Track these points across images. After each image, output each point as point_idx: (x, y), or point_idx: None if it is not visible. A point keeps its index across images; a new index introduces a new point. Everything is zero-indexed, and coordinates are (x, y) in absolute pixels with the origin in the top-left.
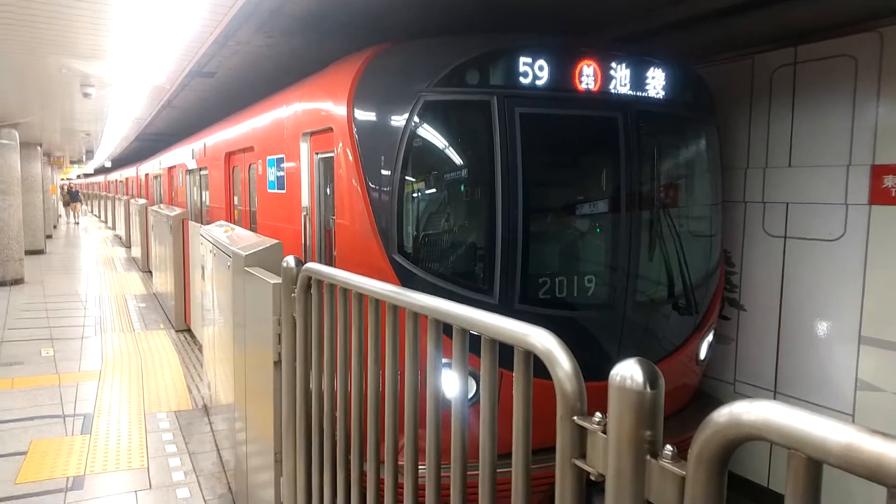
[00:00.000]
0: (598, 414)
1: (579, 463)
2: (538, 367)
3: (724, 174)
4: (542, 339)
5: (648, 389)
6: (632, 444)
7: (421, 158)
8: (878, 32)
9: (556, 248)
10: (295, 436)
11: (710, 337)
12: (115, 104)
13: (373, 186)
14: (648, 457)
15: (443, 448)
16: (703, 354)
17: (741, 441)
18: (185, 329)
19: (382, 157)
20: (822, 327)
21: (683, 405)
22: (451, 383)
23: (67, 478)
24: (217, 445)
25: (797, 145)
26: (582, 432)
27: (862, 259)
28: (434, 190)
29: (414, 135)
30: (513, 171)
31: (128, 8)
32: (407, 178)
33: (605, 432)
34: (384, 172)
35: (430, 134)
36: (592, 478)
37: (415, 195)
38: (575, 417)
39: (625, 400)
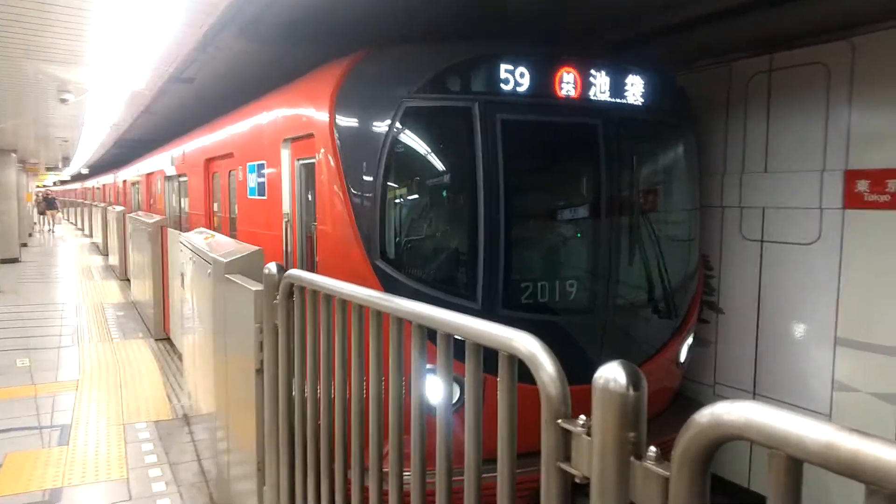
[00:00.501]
0: (582, 417)
1: (564, 466)
2: (522, 372)
3: (701, 179)
4: (525, 343)
5: (632, 391)
6: (616, 445)
7: (403, 164)
8: (850, 42)
9: (537, 253)
10: (278, 444)
11: (689, 340)
12: (92, 110)
13: (355, 192)
14: (632, 458)
15: (427, 454)
16: (682, 357)
17: (723, 441)
18: (164, 338)
19: (364, 163)
20: (799, 329)
21: (663, 408)
22: (435, 389)
23: (44, 490)
24: (198, 455)
25: (773, 151)
26: (566, 435)
27: (837, 262)
28: (416, 196)
29: (396, 141)
30: (494, 177)
31: (105, 13)
32: (389, 183)
33: (589, 435)
34: (366, 178)
35: (411, 140)
36: (577, 480)
37: (397, 201)
38: (559, 420)
39: (608, 402)
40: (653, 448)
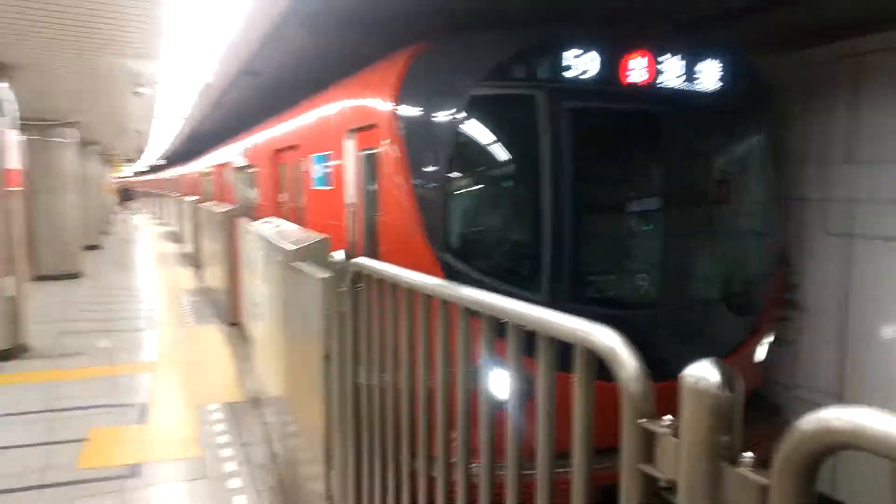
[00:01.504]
0: (667, 417)
1: (646, 468)
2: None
3: (781, 170)
4: (605, 338)
5: (726, 392)
6: (707, 449)
7: (467, 154)
8: None
9: (604, 245)
10: (345, 430)
11: (767, 339)
12: (165, 103)
13: (418, 183)
14: (725, 463)
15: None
16: (759, 356)
17: (832, 450)
18: (235, 323)
19: (428, 154)
20: (889, 331)
21: None
22: (503, 382)
23: (126, 465)
24: (268, 437)
25: (861, 140)
26: (649, 436)
27: None
28: (480, 186)
29: (460, 131)
30: (560, 167)
31: (180, 7)
32: (453, 174)
33: (676, 436)
34: (430, 168)
35: (476, 129)
36: (661, 484)
37: (461, 191)
38: (642, 421)
39: (699, 402)
40: (749, 454)
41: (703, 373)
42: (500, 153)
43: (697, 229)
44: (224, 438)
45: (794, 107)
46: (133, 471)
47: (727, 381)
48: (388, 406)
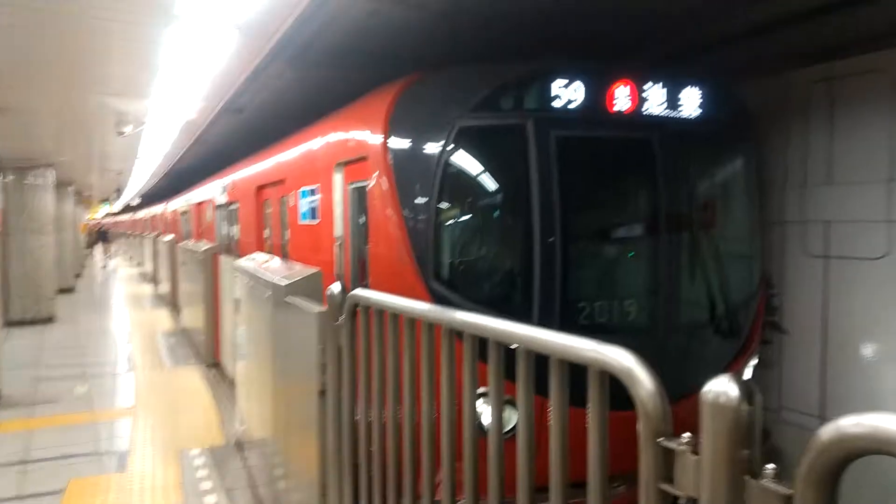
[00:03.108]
0: (685, 434)
1: (666, 487)
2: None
3: (761, 194)
4: (620, 358)
5: (745, 406)
6: (728, 464)
7: (457, 185)
8: None
9: (594, 273)
10: (341, 469)
11: (752, 362)
12: (146, 141)
13: (408, 214)
14: (747, 477)
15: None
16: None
17: (853, 457)
18: (214, 364)
19: (418, 185)
20: (869, 349)
21: None
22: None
23: None
24: (252, 482)
25: (837, 162)
26: (668, 455)
27: None
28: (470, 216)
29: (449, 162)
30: (549, 196)
31: (166, 45)
32: (443, 205)
33: (695, 453)
34: (420, 200)
35: (465, 160)
36: (680, 502)
37: (451, 222)
38: (660, 439)
39: (719, 418)
40: (770, 465)
41: (722, 388)
42: (490, 183)
43: (687, 255)
44: (207, 484)
45: (774, 132)
46: None
47: (746, 395)
48: (389, 442)
